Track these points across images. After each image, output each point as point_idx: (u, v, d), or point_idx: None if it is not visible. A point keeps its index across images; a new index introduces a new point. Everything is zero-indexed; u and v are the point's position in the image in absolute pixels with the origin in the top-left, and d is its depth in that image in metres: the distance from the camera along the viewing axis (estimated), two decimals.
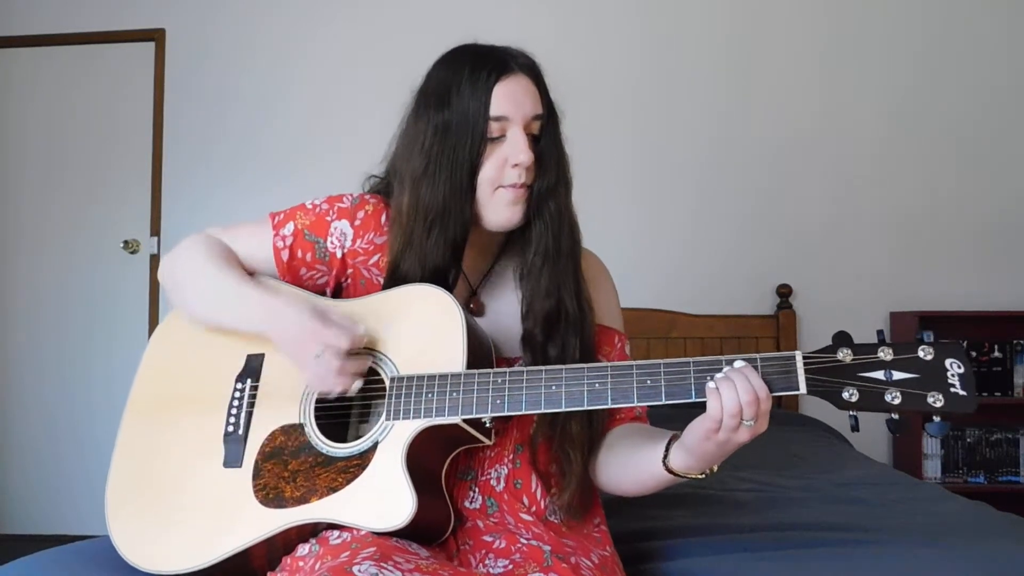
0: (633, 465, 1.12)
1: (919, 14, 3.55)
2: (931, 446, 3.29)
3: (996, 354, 3.26)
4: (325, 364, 1.06)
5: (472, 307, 1.21)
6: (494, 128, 1.11)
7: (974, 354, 3.25)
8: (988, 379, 3.24)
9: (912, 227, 3.48)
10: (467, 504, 1.14)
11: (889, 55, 3.54)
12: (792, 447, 2.43)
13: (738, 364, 0.97)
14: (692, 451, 1.02)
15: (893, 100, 3.52)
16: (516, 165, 1.12)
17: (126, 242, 3.81)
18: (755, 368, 0.96)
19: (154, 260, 3.77)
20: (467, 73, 1.12)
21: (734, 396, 0.95)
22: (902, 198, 3.49)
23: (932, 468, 3.28)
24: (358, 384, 1.09)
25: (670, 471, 1.06)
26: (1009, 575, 1.20)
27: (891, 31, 3.56)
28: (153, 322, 3.75)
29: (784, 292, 3.43)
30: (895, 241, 3.48)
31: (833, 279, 3.47)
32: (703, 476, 1.06)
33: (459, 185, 1.12)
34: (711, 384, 0.97)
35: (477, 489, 1.15)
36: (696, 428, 0.99)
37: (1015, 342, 3.26)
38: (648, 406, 1.23)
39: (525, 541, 1.10)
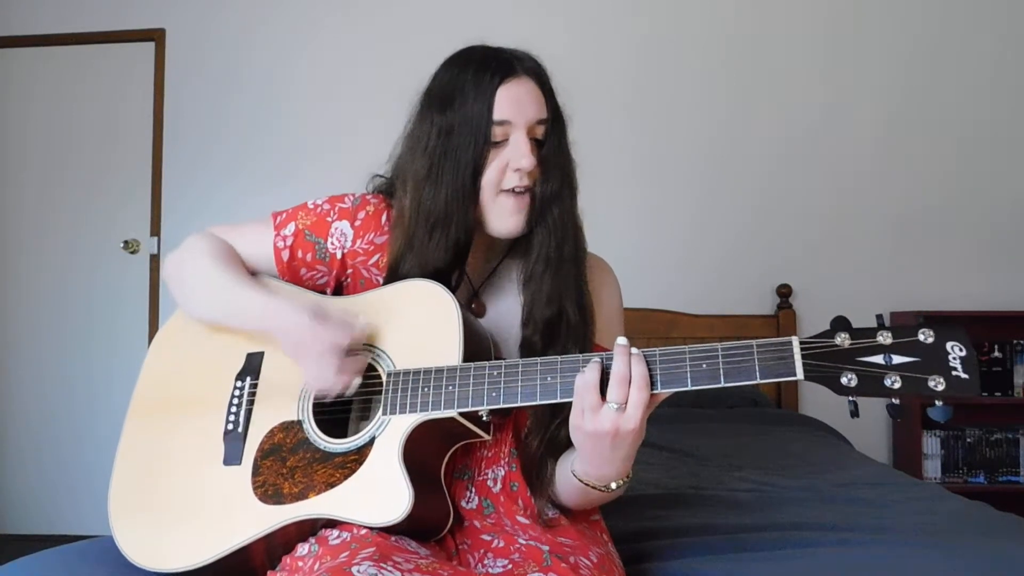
0: (561, 472, 1.13)
1: (919, 14, 3.55)
2: (931, 446, 3.29)
3: (996, 354, 3.26)
4: (325, 363, 1.06)
5: (473, 308, 1.21)
6: (497, 132, 1.11)
7: None
8: (988, 379, 3.24)
9: (912, 227, 3.48)
10: (464, 504, 1.14)
11: (889, 55, 3.54)
12: (792, 447, 2.43)
13: (622, 340, 0.98)
14: (578, 450, 1.03)
15: (893, 100, 3.53)
16: (517, 170, 1.11)
17: (126, 242, 3.81)
18: (645, 360, 0.96)
19: (154, 260, 3.78)
20: (471, 75, 1.12)
21: (596, 372, 0.96)
22: (902, 198, 3.49)
23: (932, 468, 3.28)
24: (357, 382, 1.09)
25: (574, 474, 1.07)
26: (1009, 575, 1.20)
27: (891, 31, 3.56)
28: (153, 322, 3.75)
29: (784, 292, 3.43)
30: (895, 241, 3.48)
31: (833, 279, 3.47)
32: (603, 491, 1.07)
33: (461, 188, 1.11)
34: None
35: (474, 489, 1.15)
36: (571, 416, 1.00)
37: (1015, 342, 3.26)
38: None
39: (524, 542, 1.10)
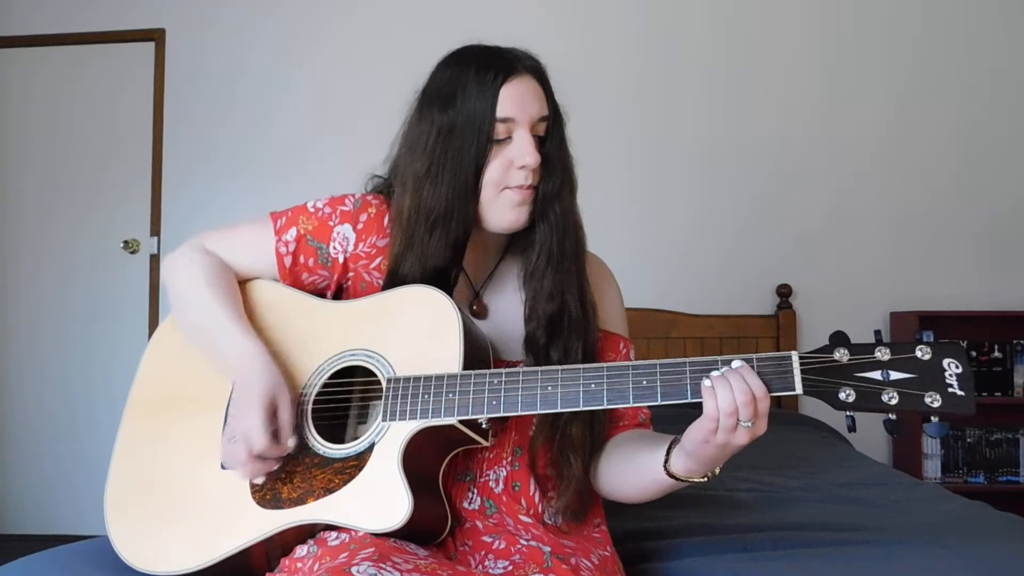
0: (633, 471, 1.12)
1: (919, 14, 3.55)
2: (931, 446, 3.29)
3: (996, 354, 3.26)
4: (240, 446, 1.05)
5: (475, 309, 1.21)
6: (500, 130, 1.11)
7: (974, 354, 3.25)
8: (988, 379, 3.24)
9: (912, 227, 3.48)
10: (466, 505, 1.14)
11: (889, 55, 3.54)
12: (792, 447, 2.43)
13: (736, 364, 0.96)
14: (692, 454, 1.01)
15: (893, 100, 3.52)
16: (523, 167, 1.11)
17: (126, 242, 3.81)
18: (752, 367, 0.95)
19: (154, 260, 3.78)
20: (473, 74, 1.12)
21: (729, 396, 0.93)
22: (902, 198, 3.49)
23: (932, 468, 3.28)
24: (255, 475, 1.07)
25: (671, 475, 1.05)
26: (1009, 575, 1.20)
27: (891, 31, 3.56)
28: (153, 322, 3.75)
29: (784, 292, 3.43)
30: (895, 241, 3.48)
31: (833, 279, 3.47)
32: (705, 479, 1.05)
33: (463, 186, 1.11)
34: (706, 383, 0.95)
35: (476, 491, 1.15)
36: (694, 431, 0.99)
37: (1015, 342, 3.26)
38: (651, 413, 1.24)
39: (525, 542, 1.10)
